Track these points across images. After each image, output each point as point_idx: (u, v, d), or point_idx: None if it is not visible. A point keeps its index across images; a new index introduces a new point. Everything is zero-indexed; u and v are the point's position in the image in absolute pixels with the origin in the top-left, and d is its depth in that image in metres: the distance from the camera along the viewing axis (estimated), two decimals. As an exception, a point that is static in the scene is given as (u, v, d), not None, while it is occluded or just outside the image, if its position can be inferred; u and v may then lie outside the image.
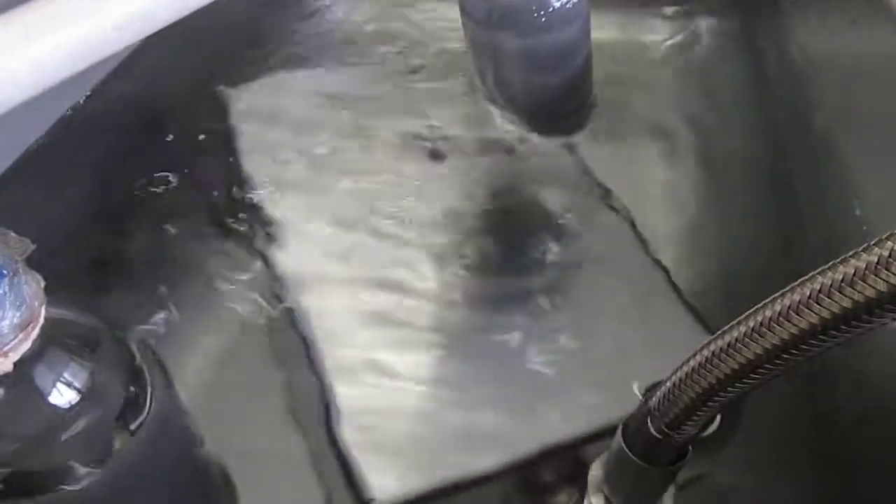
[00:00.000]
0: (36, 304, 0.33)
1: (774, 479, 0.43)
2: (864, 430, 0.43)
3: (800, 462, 0.44)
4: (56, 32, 0.19)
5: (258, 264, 0.54)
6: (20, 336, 0.32)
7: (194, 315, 0.52)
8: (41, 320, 0.33)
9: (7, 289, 0.31)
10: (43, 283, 0.34)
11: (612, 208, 0.56)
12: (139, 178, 0.60)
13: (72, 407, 0.35)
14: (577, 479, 0.43)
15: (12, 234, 0.35)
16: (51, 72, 0.19)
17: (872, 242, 0.23)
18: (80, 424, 0.35)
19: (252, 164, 0.61)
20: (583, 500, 0.39)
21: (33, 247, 0.34)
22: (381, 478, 0.43)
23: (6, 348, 0.31)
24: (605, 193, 0.57)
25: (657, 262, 0.52)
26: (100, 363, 0.37)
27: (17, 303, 0.31)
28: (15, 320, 0.31)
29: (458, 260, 0.54)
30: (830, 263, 0.24)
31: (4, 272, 0.31)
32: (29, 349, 0.33)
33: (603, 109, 0.62)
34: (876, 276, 0.22)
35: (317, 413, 0.47)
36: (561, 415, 0.45)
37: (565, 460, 0.44)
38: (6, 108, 0.19)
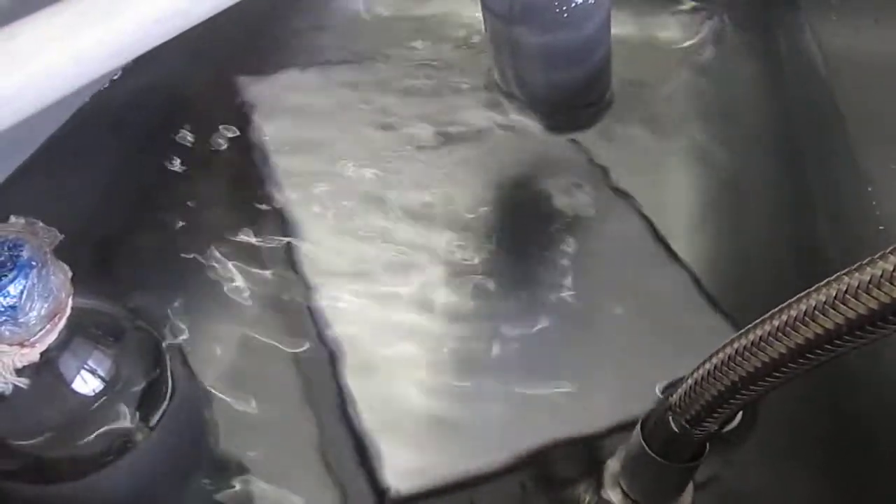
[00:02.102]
0: (63, 294, 0.33)
1: (792, 476, 0.43)
2: (882, 426, 0.43)
3: (817, 458, 0.44)
4: (98, 26, 0.19)
5: (276, 257, 0.54)
6: (47, 327, 0.32)
7: (209, 307, 0.52)
8: (68, 311, 0.33)
9: (35, 280, 0.31)
10: (70, 274, 0.34)
11: (628, 204, 0.56)
12: (156, 169, 0.60)
13: (95, 395, 0.35)
14: (592, 473, 0.43)
15: (40, 223, 0.35)
16: (94, 65, 0.20)
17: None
18: (103, 412, 0.36)
19: (270, 156, 0.61)
20: (599, 495, 0.40)
21: (61, 237, 0.35)
22: (397, 467, 0.44)
23: (33, 339, 0.32)
24: (620, 189, 0.57)
25: (674, 258, 0.52)
26: (123, 352, 0.37)
27: (45, 294, 0.32)
28: (42, 311, 0.32)
29: (475, 253, 0.54)
30: (857, 265, 0.24)
31: (33, 263, 0.31)
32: (55, 339, 0.33)
33: (619, 106, 0.62)
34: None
35: (332, 403, 0.47)
36: (577, 409, 0.45)
37: (581, 455, 0.44)
38: (49, 101, 0.20)
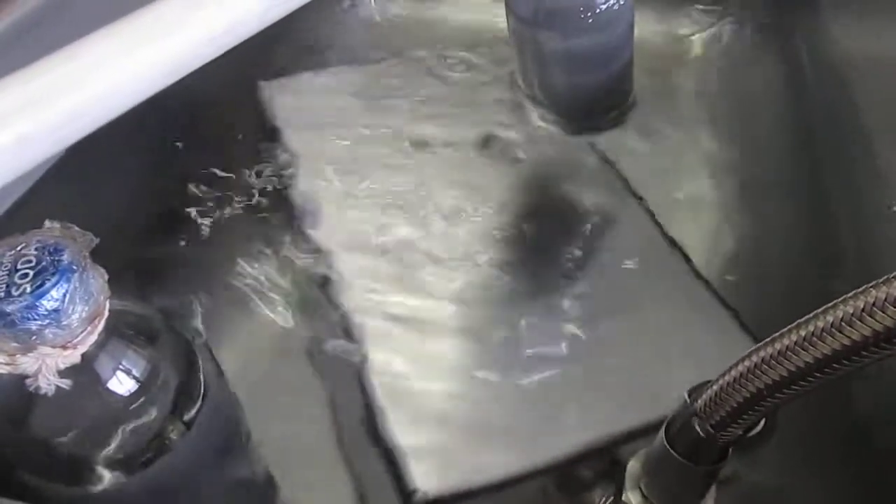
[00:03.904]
0: (101, 297, 0.34)
1: (808, 478, 0.44)
2: (891, 433, 0.43)
3: (834, 461, 0.44)
4: (155, 44, 0.20)
5: (300, 261, 0.55)
6: (87, 329, 0.33)
7: (233, 311, 0.53)
8: (106, 313, 0.34)
9: (77, 284, 0.32)
10: (106, 277, 0.35)
11: (646, 207, 0.56)
12: (178, 174, 0.61)
13: (131, 395, 0.36)
14: (612, 476, 0.44)
15: (76, 228, 0.36)
16: (150, 83, 0.20)
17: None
18: (139, 411, 0.36)
19: (290, 159, 0.62)
20: (619, 497, 0.40)
21: (97, 241, 0.35)
22: (422, 470, 0.44)
23: (75, 340, 0.33)
24: (639, 194, 0.57)
25: (690, 264, 0.53)
26: (157, 352, 0.38)
27: (86, 297, 0.32)
28: (83, 314, 0.32)
29: (491, 258, 0.54)
30: (883, 278, 0.24)
31: (74, 267, 0.32)
32: (94, 341, 0.34)
33: (641, 109, 0.62)
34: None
35: (358, 405, 0.48)
36: (598, 414, 0.46)
37: (601, 459, 0.45)
38: (110, 117, 0.20)
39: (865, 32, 0.57)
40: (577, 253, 0.54)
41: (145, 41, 0.20)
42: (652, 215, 0.56)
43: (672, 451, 0.34)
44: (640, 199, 0.57)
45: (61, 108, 0.19)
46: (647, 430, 0.45)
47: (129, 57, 0.20)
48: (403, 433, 0.46)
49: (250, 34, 0.23)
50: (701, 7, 0.70)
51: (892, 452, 0.43)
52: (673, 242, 0.54)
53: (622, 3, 0.53)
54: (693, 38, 0.68)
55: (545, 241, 0.55)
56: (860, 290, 0.25)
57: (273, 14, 0.22)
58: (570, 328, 0.50)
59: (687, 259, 0.53)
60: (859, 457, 0.44)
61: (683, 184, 0.58)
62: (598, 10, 0.52)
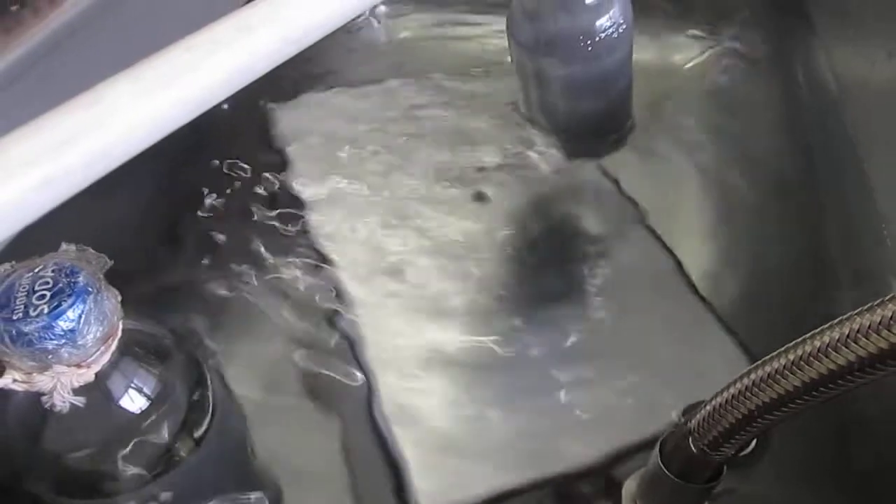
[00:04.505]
0: (115, 318, 0.35)
1: (800, 495, 0.44)
2: (884, 453, 0.44)
3: (826, 477, 0.45)
4: (171, 87, 0.21)
5: (304, 281, 0.56)
6: (101, 348, 0.34)
7: (241, 329, 0.53)
8: (119, 333, 0.35)
9: (92, 305, 0.33)
10: (120, 298, 0.36)
11: (646, 228, 0.57)
12: (186, 194, 0.62)
13: (142, 412, 0.37)
14: (610, 494, 0.44)
15: (90, 250, 0.37)
16: (168, 123, 0.22)
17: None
18: (150, 428, 0.37)
19: (296, 179, 0.63)
20: (617, 515, 0.41)
21: (111, 263, 0.37)
22: (425, 487, 0.45)
23: (89, 360, 0.34)
24: (641, 216, 0.58)
25: (691, 285, 0.54)
26: (168, 370, 0.39)
27: (101, 318, 0.34)
28: (98, 334, 0.33)
29: (494, 281, 0.55)
30: (869, 305, 0.26)
31: (90, 289, 0.33)
32: (107, 360, 0.35)
33: (640, 132, 0.63)
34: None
35: (363, 423, 0.49)
36: (597, 431, 0.47)
37: (598, 477, 0.46)
38: (131, 155, 0.22)
39: (860, 59, 0.58)
40: (579, 274, 0.55)
41: (162, 85, 0.21)
42: (655, 236, 0.57)
43: (666, 471, 0.35)
44: (643, 219, 0.58)
45: (84, 151, 0.20)
46: (645, 448, 0.45)
47: (147, 100, 0.21)
48: (408, 452, 0.47)
49: (265, 72, 0.24)
50: (699, 32, 0.71)
51: (883, 469, 0.44)
52: (677, 262, 0.55)
53: (621, 31, 0.54)
54: (691, 62, 0.69)
55: (549, 263, 0.56)
56: (846, 316, 0.26)
57: (283, 54, 0.24)
58: (572, 348, 0.51)
59: (689, 280, 0.54)
60: (852, 473, 0.45)
61: (684, 204, 0.59)
62: (597, 38, 0.53)
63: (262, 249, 0.57)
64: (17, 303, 0.32)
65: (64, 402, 0.33)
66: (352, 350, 0.52)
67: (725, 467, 0.35)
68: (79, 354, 0.33)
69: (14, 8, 0.46)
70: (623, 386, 0.49)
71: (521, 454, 0.47)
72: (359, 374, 0.50)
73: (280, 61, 0.24)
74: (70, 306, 0.32)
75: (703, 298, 0.53)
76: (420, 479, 0.46)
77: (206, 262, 0.57)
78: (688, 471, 0.35)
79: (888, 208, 0.51)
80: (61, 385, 0.33)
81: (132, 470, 0.37)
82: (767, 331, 0.50)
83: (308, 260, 0.57)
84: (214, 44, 0.22)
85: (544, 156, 0.62)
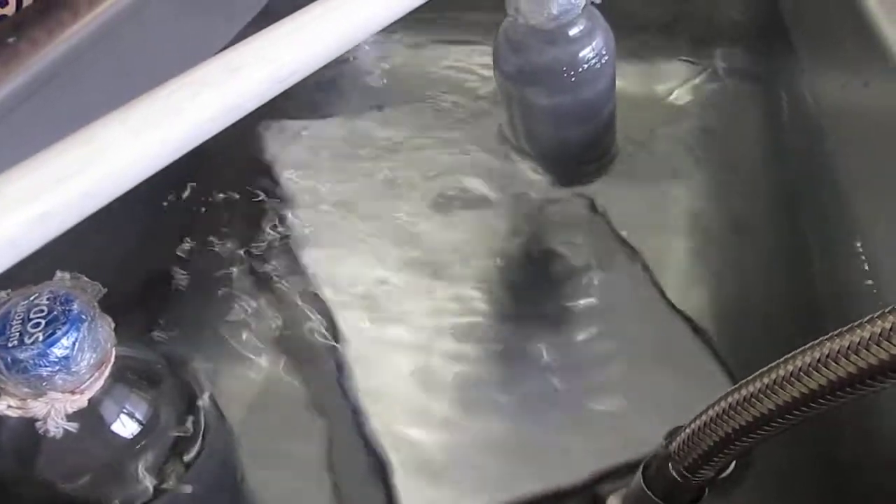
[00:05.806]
0: (108, 345, 0.36)
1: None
2: (872, 474, 0.45)
3: (810, 497, 0.45)
4: (161, 126, 0.22)
5: (295, 308, 0.57)
6: (95, 374, 0.35)
7: (232, 355, 0.54)
8: (112, 360, 0.36)
9: (86, 332, 0.34)
10: (113, 325, 0.37)
11: (631, 254, 0.58)
12: (178, 217, 0.63)
13: (134, 437, 0.38)
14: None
15: (84, 278, 0.38)
16: (157, 160, 0.23)
17: (887, 310, 0.25)
18: (141, 453, 0.38)
19: (286, 205, 0.64)
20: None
21: (104, 290, 0.37)
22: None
23: (83, 386, 0.34)
24: (623, 240, 0.59)
25: (675, 308, 0.54)
26: (159, 396, 0.40)
27: (94, 345, 0.34)
28: (91, 361, 0.34)
29: (482, 306, 0.56)
30: (844, 328, 0.26)
31: (84, 317, 0.34)
32: (100, 386, 0.36)
33: (624, 158, 0.65)
34: (888, 342, 0.25)
35: (352, 439, 0.49)
36: (580, 453, 0.48)
37: (582, 496, 0.46)
38: (124, 190, 0.22)
39: (844, 85, 0.59)
40: (564, 299, 0.56)
41: (153, 124, 0.22)
42: (640, 262, 0.57)
43: (648, 493, 0.36)
44: (627, 245, 0.59)
45: (79, 187, 0.21)
46: (629, 469, 0.46)
47: (138, 139, 0.22)
48: (398, 475, 0.47)
49: (253, 108, 0.25)
50: (682, 59, 0.73)
51: (863, 489, 0.44)
52: (661, 290, 0.56)
53: (604, 61, 0.55)
54: (675, 90, 0.70)
55: (535, 288, 0.57)
56: (820, 340, 0.27)
57: (271, 93, 0.25)
58: (555, 372, 0.51)
59: (672, 304, 0.55)
60: (832, 494, 0.45)
61: (667, 230, 0.60)
62: (580, 69, 0.54)
63: (254, 275, 0.58)
64: (13, 330, 0.33)
65: (58, 427, 0.34)
66: (341, 375, 0.52)
67: (707, 490, 0.36)
68: (73, 381, 0.34)
69: (11, 40, 0.47)
70: (608, 409, 0.49)
71: (506, 475, 0.47)
72: (349, 398, 0.51)
73: (268, 99, 0.24)
74: (64, 334, 0.33)
75: (687, 323, 0.54)
76: (409, 501, 0.46)
77: (198, 286, 0.58)
78: (669, 493, 0.36)
79: (866, 236, 0.52)
80: (55, 411, 0.34)
81: (123, 494, 0.37)
82: (752, 356, 0.50)
83: (297, 287, 0.58)
84: (203, 84, 0.23)
85: (530, 183, 0.63)
